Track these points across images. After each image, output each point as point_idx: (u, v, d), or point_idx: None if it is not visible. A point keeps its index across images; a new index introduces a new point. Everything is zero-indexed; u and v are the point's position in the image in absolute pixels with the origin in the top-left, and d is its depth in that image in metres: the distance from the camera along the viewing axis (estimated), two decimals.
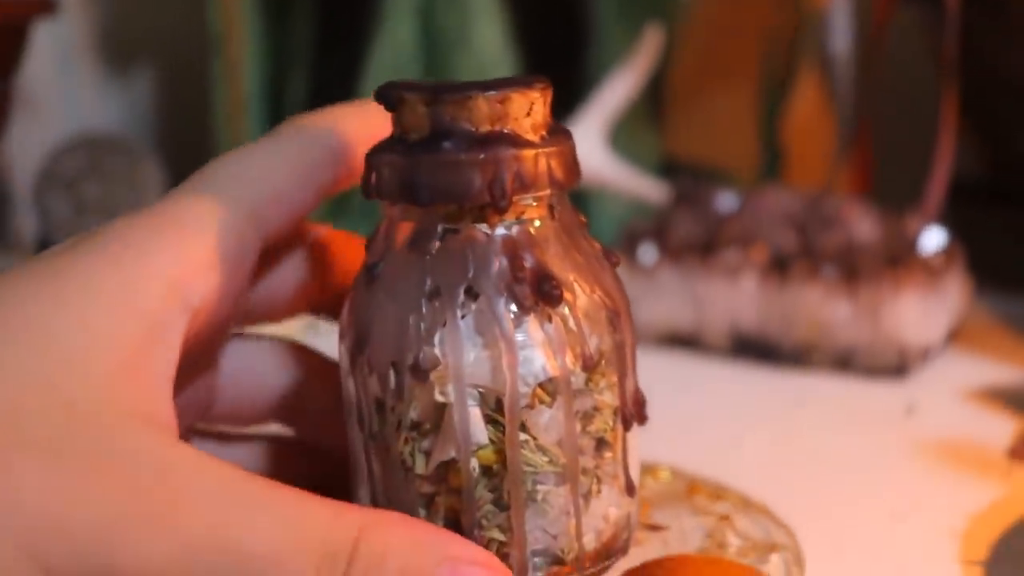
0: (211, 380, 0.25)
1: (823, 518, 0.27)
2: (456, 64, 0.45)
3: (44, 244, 0.52)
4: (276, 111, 0.49)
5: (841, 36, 0.51)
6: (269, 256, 0.24)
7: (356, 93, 0.46)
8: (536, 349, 0.21)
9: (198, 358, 0.23)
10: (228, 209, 0.21)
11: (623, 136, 0.49)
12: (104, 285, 0.20)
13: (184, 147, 0.57)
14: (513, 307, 0.21)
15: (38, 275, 0.20)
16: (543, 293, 0.21)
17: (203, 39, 0.49)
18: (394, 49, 0.45)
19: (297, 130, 0.23)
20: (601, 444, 0.22)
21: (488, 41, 0.45)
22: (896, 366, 0.38)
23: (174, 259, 0.21)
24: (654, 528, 0.25)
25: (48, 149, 0.52)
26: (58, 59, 0.55)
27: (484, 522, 0.21)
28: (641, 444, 0.29)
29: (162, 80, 0.58)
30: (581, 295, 0.21)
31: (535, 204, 0.21)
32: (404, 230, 0.21)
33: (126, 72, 0.57)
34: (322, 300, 0.26)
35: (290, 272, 0.25)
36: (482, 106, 0.21)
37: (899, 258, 0.39)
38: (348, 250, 0.25)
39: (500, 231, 0.21)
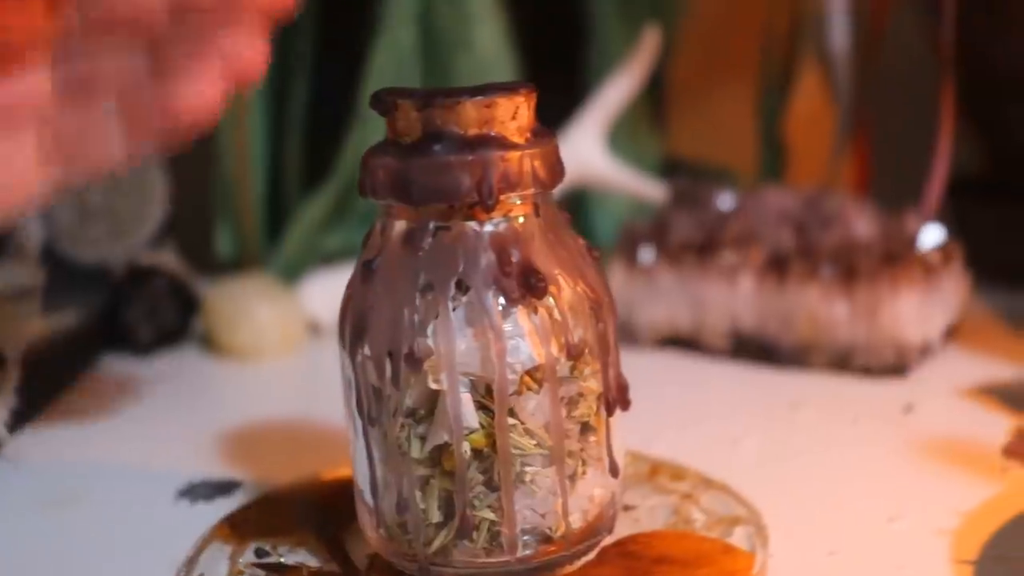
0: None
1: (818, 516, 0.27)
2: (456, 66, 0.46)
3: (48, 251, 0.52)
4: (278, 115, 0.50)
5: (839, 33, 0.51)
6: None
7: (357, 96, 0.47)
8: (523, 339, 0.22)
9: None
10: None
11: (623, 136, 0.49)
12: None
13: (186, 153, 0.57)
14: (501, 299, 0.22)
15: None
16: (529, 286, 0.22)
17: None
18: (394, 53, 0.46)
19: None
20: (586, 428, 0.23)
21: (488, 43, 0.46)
22: (895, 364, 0.37)
23: None
24: (623, 508, 0.26)
25: None
26: None
27: (476, 502, 0.22)
28: (641, 444, 0.29)
29: None
30: (565, 288, 0.22)
31: (520, 202, 0.22)
32: (398, 228, 0.23)
33: None
34: None
35: None
36: (470, 110, 0.22)
37: (897, 256, 0.38)
38: None
39: (488, 228, 0.22)
